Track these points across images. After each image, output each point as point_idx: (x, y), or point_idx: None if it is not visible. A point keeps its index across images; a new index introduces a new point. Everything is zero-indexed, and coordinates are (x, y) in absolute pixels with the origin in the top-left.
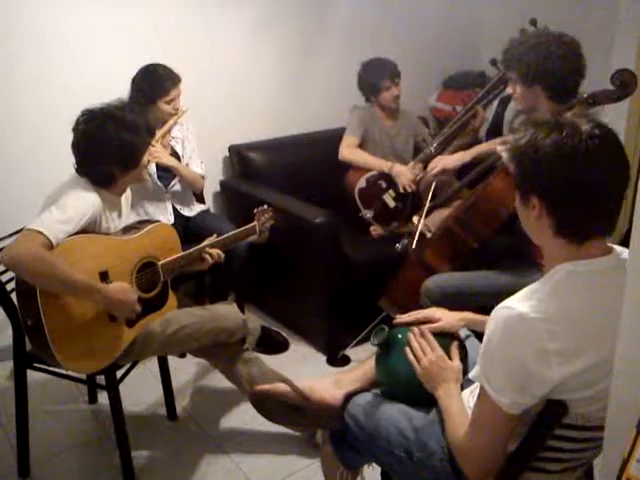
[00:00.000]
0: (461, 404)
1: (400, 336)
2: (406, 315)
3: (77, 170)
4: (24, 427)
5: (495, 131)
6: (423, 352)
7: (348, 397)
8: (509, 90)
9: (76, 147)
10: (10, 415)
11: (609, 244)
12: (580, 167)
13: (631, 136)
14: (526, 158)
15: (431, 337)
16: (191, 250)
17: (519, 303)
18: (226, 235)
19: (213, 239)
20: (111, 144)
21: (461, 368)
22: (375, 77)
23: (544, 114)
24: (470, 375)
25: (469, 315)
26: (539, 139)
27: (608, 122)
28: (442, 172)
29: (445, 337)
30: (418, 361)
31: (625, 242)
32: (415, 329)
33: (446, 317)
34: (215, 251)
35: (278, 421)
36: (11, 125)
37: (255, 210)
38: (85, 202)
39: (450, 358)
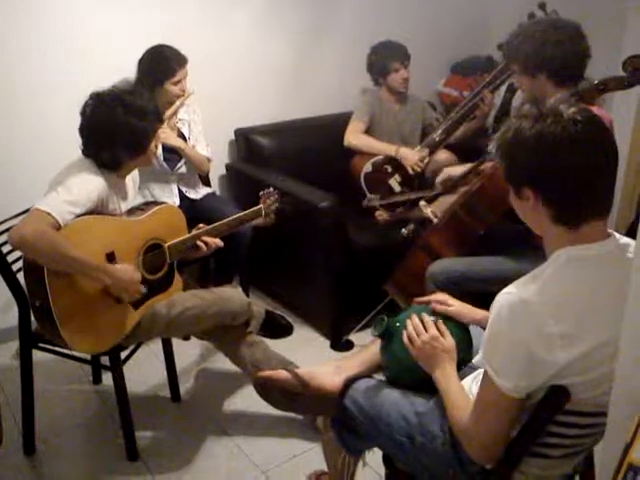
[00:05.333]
0: (459, 385)
1: (399, 324)
2: (425, 298)
3: (83, 152)
4: (29, 406)
5: (503, 118)
6: (417, 334)
7: (348, 383)
8: (516, 81)
9: (84, 131)
10: (16, 394)
11: (608, 230)
12: (567, 153)
13: None
14: (514, 151)
15: (427, 318)
16: (198, 232)
17: (521, 288)
18: (232, 217)
19: (218, 224)
20: (119, 129)
21: (454, 345)
22: (384, 59)
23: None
24: (474, 361)
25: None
26: (524, 130)
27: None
28: (448, 180)
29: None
30: (412, 342)
31: (631, 232)
32: (413, 315)
33: (462, 307)
34: (211, 239)
35: (279, 407)
36: (14, 107)
37: (261, 192)
38: (90, 185)
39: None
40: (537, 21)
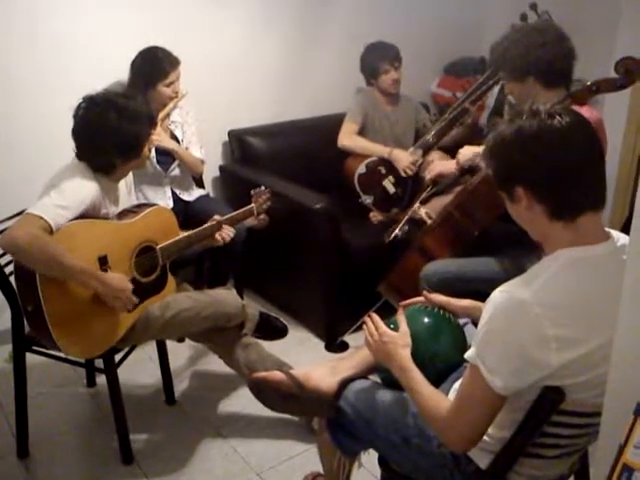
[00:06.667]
0: (422, 376)
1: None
2: (409, 300)
3: (77, 155)
4: (23, 409)
5: (496, 117)
6: (371, 335)
7: (344, 384)
8: (506, 90)
9: (76, 134)
10: (9, 398)
11: (606, 229)
12: (547, 143)
13: (633, 124)
14: (497, 152)
15: (376, 317)
16: (190, 233)
17: (520, 288)
18: (224, 217)
19: (215, 219)
20: (112, 134)
21: (406, 332)
22: (375, 60)
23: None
24: (465, 356)
25: (475, 303)
26: (503, 131)
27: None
28: (439, 176)
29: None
30: (369, 347)
31: (625, 229)
32: (367, 319)
33: (449, 298)
34: (228, 228)
35: (275, 408)
36: (9, 108)
37: (252, 192)
38: (84, 189)
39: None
40: (519, 28)
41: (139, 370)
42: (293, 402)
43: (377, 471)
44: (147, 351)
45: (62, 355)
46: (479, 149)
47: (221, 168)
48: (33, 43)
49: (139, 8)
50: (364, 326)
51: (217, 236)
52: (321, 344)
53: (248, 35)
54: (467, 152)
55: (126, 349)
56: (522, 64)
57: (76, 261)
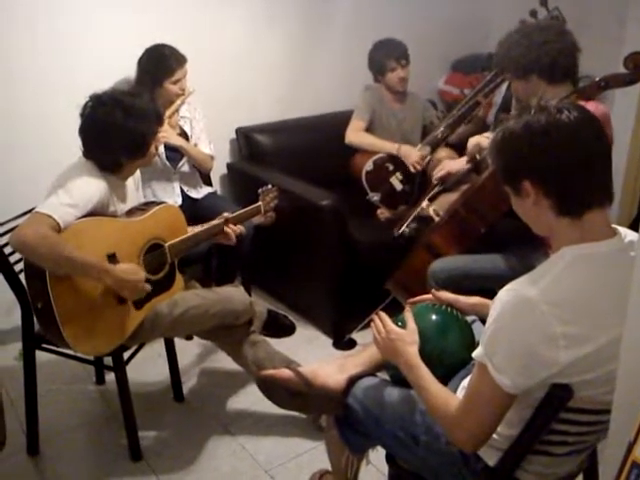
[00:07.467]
0: (429, 373)
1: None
2: (417, 298)
3: (84, 154)
4: (33, 407)
5: (504, 115)
6: (378, 332)
7: (352, 381)
8: (512, 90)
9: (83, 133)
10: (19, 395)
11: (613, 225)
12: (556, 136)
13: None
14: (505, 147)
15: (383, 315)
16: (198, 231)
17: (527, 286)
18: (231, 215)
19: (223, 217)
20: (118, 132)
21: (414, 329)
22: (382, 57)
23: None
24: (473, 355)
25: (483, 301)
26: (511, 126)
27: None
28: (447, 175)
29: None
30: (377, 345)
31: (634, 227)
32: (375, 317)
33: (458, 296)
34: (238, 227)
35: (283, 405)
36: (13, 108)
37: (260, 190)
38: (91, 187)
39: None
40: (523, 27)
41: (148, 368)
42: (301, 399)
43: (385, 468)
44: (155, 349)
45: (71, 353)
46: (487, 138)
47: (229, 165)
48: (35, 43)
49: (142, 7)
50: (372, 324)
51: (223, 240)
52: (329, 342)
53: (251, 33)
54: (475, 140)
55: (135, 347)
56: (525, 63)
57: (86, 257)
